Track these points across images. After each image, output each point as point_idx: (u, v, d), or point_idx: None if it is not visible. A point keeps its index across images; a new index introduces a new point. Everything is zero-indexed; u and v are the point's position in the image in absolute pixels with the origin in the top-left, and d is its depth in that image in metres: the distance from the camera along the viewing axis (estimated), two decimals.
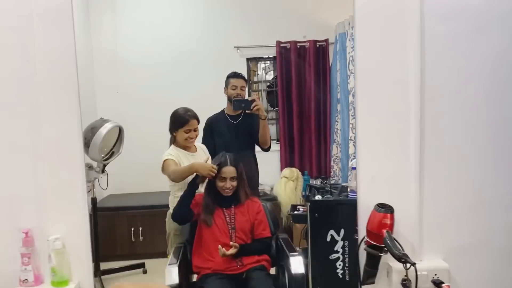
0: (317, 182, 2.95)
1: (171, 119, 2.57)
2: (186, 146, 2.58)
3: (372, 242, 1.52)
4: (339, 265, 2.32)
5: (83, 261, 1.49)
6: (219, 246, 2.11)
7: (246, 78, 3.01)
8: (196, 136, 2.58)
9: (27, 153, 1.50)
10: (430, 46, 1.56)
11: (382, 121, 1.59)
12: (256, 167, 2.97)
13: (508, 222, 1.66)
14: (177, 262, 2.12)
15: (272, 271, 2.43)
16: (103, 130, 3.02)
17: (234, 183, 2.26)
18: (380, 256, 1.52)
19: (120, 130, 3.22)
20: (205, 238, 2.25)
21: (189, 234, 2.39)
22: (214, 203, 2.29)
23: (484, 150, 1.64)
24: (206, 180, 2.31)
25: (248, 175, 2.70)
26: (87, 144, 3.01)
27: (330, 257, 2.33)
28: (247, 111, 2.70)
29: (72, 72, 1.53)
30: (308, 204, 2.43)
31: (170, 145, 2.63)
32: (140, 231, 3.69)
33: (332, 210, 2.41)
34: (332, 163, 3.90)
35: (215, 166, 2.23)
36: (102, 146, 3.05)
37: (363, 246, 1.57)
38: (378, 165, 1.60)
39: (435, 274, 1.58)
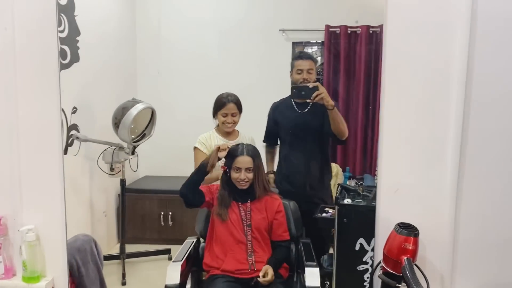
0: (351, 183, 2.63)
1: (214, 102, 2.49)
2: (225, 132, 2.49)
3: (388, 269, 1.25)
4: (367, 277, 2.08)
5: (58, 256, 1.37)
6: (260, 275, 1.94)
7: (315, 59, 2.60)
8: (234, 122, 2.46)
9: (2, 135, 1.38)
10: (481, 33, 1.23)
11: (414, 123, 1.30)
12: (327, 167, 2.62)
13: None
14: (182, 259, 1.97)
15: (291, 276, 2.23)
16: (134, 110, 2.97)
17: (250, 175, 2.06)
18: (398, 287, 1.25)
19: (153, 112, 3.15)
20: (218, 233, 2.10)
21: (203, 228, 2.24)
22: (229, 196, 2.10)
23: None
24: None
25: (313, 176, 2.53)
26: (117, 125, 2.97)
27: (357, 268, 2.09)
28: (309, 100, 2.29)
29: (52, 46, 1.37)
30: (337, 207, 2.18)
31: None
32: (169, 216, 3.62)
33: (363, 216, 2.14)
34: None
35: (224, 145, 2.09)
36: (132, 127, 2.99)
37: (378, 272, 1.31)
38: (404, 176, 1.32)
39: None
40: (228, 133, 2.50)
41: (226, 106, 2.42)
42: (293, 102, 2.55)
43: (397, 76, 1.28)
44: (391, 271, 1.25)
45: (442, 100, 1.28)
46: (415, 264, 1.26)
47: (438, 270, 1.34)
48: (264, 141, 2.74)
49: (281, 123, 2.59)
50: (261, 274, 1.92)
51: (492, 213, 1.33)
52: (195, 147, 2.47)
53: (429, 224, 1.29)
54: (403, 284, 1.22)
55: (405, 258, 1.20)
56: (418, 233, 1.23)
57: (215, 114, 2.48)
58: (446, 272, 1.33)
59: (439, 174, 1.30)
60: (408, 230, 1.23)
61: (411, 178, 1.32)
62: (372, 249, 2.01)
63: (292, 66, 2.52)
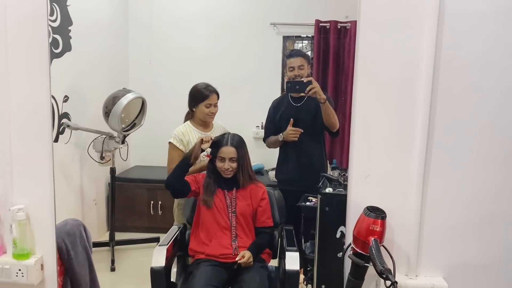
0: (334, 173, 2.71)
1: (191, 94, 2.50)
2: (204, 122, 2.51)
3: (357, 249, 1.33)
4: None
5: (47, 234, 1.44)
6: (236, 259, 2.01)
7: (306, 55, 2.69)
8: (216, 112, 2.50)
9: None
10: (448, 27, 1.30)
11: (384, 112, 1.37)
12: (322, 159, 2.72)
13: None
14: (167, 244, 2.04)
15: (275, 262, 2.31)
16: (124, 100, 3.00)
17: (234, 165, 2.14)
18: (366, 266, 1.33)
19: (143, 102, 3.20)
20: (203, 219, 2.17)
21: (190, 215, 2.31)
22: (215, 183, 2.18)
23: (503, 157, 1.37)
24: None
25: (310, 164, 2.63)
26: (107, 114, 3.01)
27: (338, 255, 2.15)
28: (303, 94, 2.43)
29: (44, 34, 1.42)
30: (319, 196, 2.26)
31: (185, 121, 2.56)
32: (159, 205, 3.68)
33: (344, 205, 2.21)
34: None
35: (207, 137, 2.16)
36: (122, 116, 3.04)
37: (349, 252, 1.39)
38: (374, 163, 1.39)
39: None
40: (204, 125, 2.52)
41: (209, 97, 2.43)
42: (289, 97, 2.67)
43: (368, 68, 1.34)
44: (360, 251, 1.33)
45: (411, 90, 1.35)
46: (383, 245, 1.33)
47: (405, 252, 1.41)
48: (264, 140, 2.81)
49: (280, 116, 2.69)
50: (237, 258, 2.00)
51: (456, 198, 1.40)
52: (170, 142, 2.45)
53: (397, 208, 1.36)
54: (371, 263, 1.29)
55: (372, 239, 1.28)
56: (385, 216, 1.31)
57: (195, 105, 2.47)
58: (412, 254, 1.41)
59: (407, 161, 1.37)
60: (376, 213, 1.31)
61: (381, 164, 1.39)
62: None
63: (286, 64, 2.62)
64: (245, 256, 2.00)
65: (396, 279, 1.24)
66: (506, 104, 1.35)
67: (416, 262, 1.41)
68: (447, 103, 1.35)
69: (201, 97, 2.44)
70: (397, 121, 1.37)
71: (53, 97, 2.16)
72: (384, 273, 1.21)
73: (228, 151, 2.13)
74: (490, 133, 1.36)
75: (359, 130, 1.39)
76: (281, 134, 2.60)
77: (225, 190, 2.19)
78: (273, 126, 2.73)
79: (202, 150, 2.16)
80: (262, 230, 2.20)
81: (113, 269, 2.99)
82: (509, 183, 1.38)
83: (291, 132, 2.54)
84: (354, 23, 3.78)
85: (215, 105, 2.47)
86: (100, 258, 3.05)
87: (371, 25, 1.34)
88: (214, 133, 2.53)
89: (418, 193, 1.37)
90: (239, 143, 2.17)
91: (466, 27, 1.32)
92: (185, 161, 2.16)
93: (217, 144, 2.16)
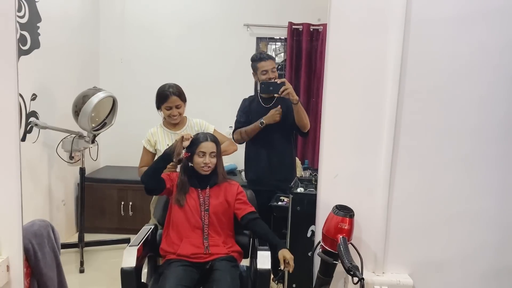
0: (306, 174, 2.76)
1: (156, 95, 2.47)
2: (171, 124, 2.50)
3: (326, 247, 1.36)
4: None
5: (14, 235, 1.41)
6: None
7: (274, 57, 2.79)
8: (180, 114, 2.46)
9: None
10: (414, 34, 1.36)
11: (352, 113, 1.41)
12: (292, 158, 2.75)
13: (487, 241, 1.45)
14: (138, 244, 2.02)
15: (246, 262, 2.32)
16: (95, 99, 2.94)
17: (214, 160, 2.14)
18: (335, 264, 1.36)
19: (114, 101, 3.15)
20: (175, 219, 2.15)
21: (162, 215, 2.29)
22: (188, 182, 2.17)
23: (466, 157, 1.44)
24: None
25: (280, 163, 2.65)
26: (77, 113, 2.95)
27: (309, 254, 2.18)
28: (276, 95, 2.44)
29: (11, 30, 1.39)
30: (291, 196, 2.29)
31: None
32: (130, 206, 3.64)
33: (315, 204, 2.24)
34: None
35: (187, 134, 2.14)
36: (93, 115, 2.99)
37: (318, 250, 1.42)
38: (343, 163, 1.43)
39: None
40: (172, 125, 2.50)
41: (169, 99, 2.38)
42: (259, 97, 2.68)
43: (338, 70, 1.38)
44: (329, 249, 1.36)
45: (378, 93, 1.39)
46: (351, 243, 1.37)
47: (372, 250, 1.45)
48: (233, 132, 2.78)
49: (251, 116, 2.69)
50: (283, 267, 1.89)
51: (421, 197, 1.45)
52: (144, 146, 2.50)
53: (365, 207, 1.41)
54: (339, 260, 1.33)
55: (341, 237, 1.31)
56: (353, 214, 1.34)
57: (159, 107, 2.45)
58: (379, 252, 1.45)
59: (374, 161, 1.42)
60: (344, 211, 1.34)
61: (349, 164, 1.43)
62: None
63: (255, 68, 2.60)
64: (288, 261, 1.88)
65: (364, 276, 1.28)
66: (469, 106, 1.41)
67: (383, 259, 1.46)
68: (413, 105, 1.40)
69: (161, 99, 2.41)
70: (365, 123, 1.41)
71: (20, 95, 2.11)
72: (352, 270, 1.24)
73: (209, 145, 2.13)
74: (453, 135, 1.42)
75: (328, 131, 1.42)
76: (261, 119, 2.56)
77: (199, 189, 2.18)
78: (246, 117, 2.70)
79: (184, 147, 2.15)
80: (249, 216, 2.14)
81: (82, 271, 2.94)
82: (470, 183, 1.44)
83: (276, 113, 2.51)
84: (326, 26, 3.85)
85: (177, 107, 2.41)
86: (68, 260, 3.00)
87: (340, 28, 1.38)
88: (185, 132, 2.52)
89: (385, 193, 1.42)
90: (216, 140, 2.18)
91: (431, 31, 1.37)
92: (166, 158, 2.14)
93: (194, 141, 2.15)
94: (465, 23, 1.37)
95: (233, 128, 2.77)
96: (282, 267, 1.86)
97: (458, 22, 1.36)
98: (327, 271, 1.39)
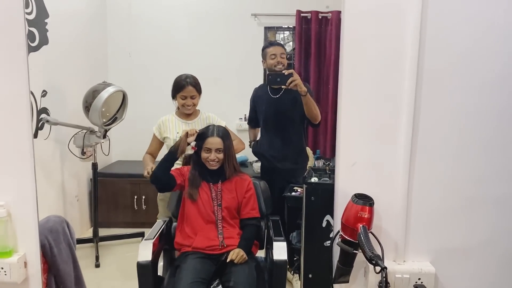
0: (319, 163, 2.73)
1: (173, 84, 2.51)
2: (183, 114, 2.53)
3: (346, 237, 1.33)
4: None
5: (30, 232, 1.40)
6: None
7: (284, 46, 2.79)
8: (194, 105, 2.49)
9: None
10: (433, 14, 1.31)
11: (370, 100, 1.37)
12: (302, 149, 2.73)
13: (510, 227, 1.41)
14: (154, 237, 2.02)
15: (262, 253, 2.31)
16: (105, 93, 2.94)
17: (220, 156, 2.12)
18: (355, 253, 1.34)
19: (124, 96, 3.14)
20: (188, 213, 2.14)
21: (175, 209, 2.28)
22: (200, 176, 2.15)
23: (487, 142, 1.39)
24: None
25: (290, 156, 2.66)
26: (87, 108, 2.95)
27: (324, 244, 2.17)
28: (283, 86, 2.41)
29: (20, 27, 1.37)
30: (304, 186, 2.26)
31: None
32: (143, 200, 3.64)
33: (329, 194, 2.22)
34: None
35: (192, 130, 2.12)
36: (103, 110, 2.98)
37: (337, 240, 1.39)
38: (361, 151, 1.39)
39: (419, 279, 1.39)
40: (185, 115, 2.53)
41: (184, 88, 2.43)
42: (268, 88, 2.66)
43: (354, 56, 1.34)
44: (349, 239, 1.33)
45: (396, 78, 1.35)
46: (371, 232, 1.34)
47: (392, 238, 1.42)
48: (248, 123, 2.89)
49: (257, 107, 2.71)
50: (228, 259, 1.96)
51: (441, 184, 1.42)
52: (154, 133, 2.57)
53: (384, 195, 1.37)
54: (359, 250, 1.30)
55: (360, 225, 1.29)
56: (373, 202, 1.31)
57: (174, 96, 2.50)
58: (400, 240, 1.42)
59: (393, 148, 1.38)
60: (363, 200, 1.31)
61: (367, 152, 1.39)
62: None
63: (265, 53, 2.60)
64: (234, 255, 1.96)
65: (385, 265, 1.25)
66: (490, 92, 1.36)
67: (404, 248, 1.43)
68: (432, 87, 1.36)
69: (177, 88, 2.47)
70: (382, 108, 1.38)
71: (31, 92, 2.10)
72: (374, 259, 1.22)
73: (215, 141, 2.11)
74: (475, 118, 1.38)
75: (346, 118, 1.38)
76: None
77: (211, 183, 2.17)
78: (254, 115, 2.77)
79: (188, 143, 2.13)
80: (247, 222, 2.18)
81: (97, 266, 2.96)
82: (490, 167, 1.40)
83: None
84: (335, 13, 3.80)
85: (192, 97, 2.46)
86: (84, 255, 3.01)
87: (356, 12, 1.34)
88: (196, 123, 2.52)
89: (405, 180, 1.38)
90: (225, 134, 2.15)
91: (451, 10, 1.32)
92: (171, 155, 2.13)
93: (202, 136, 2.13)
94: None
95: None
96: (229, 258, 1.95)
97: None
98: (347, 260, 1.36)
